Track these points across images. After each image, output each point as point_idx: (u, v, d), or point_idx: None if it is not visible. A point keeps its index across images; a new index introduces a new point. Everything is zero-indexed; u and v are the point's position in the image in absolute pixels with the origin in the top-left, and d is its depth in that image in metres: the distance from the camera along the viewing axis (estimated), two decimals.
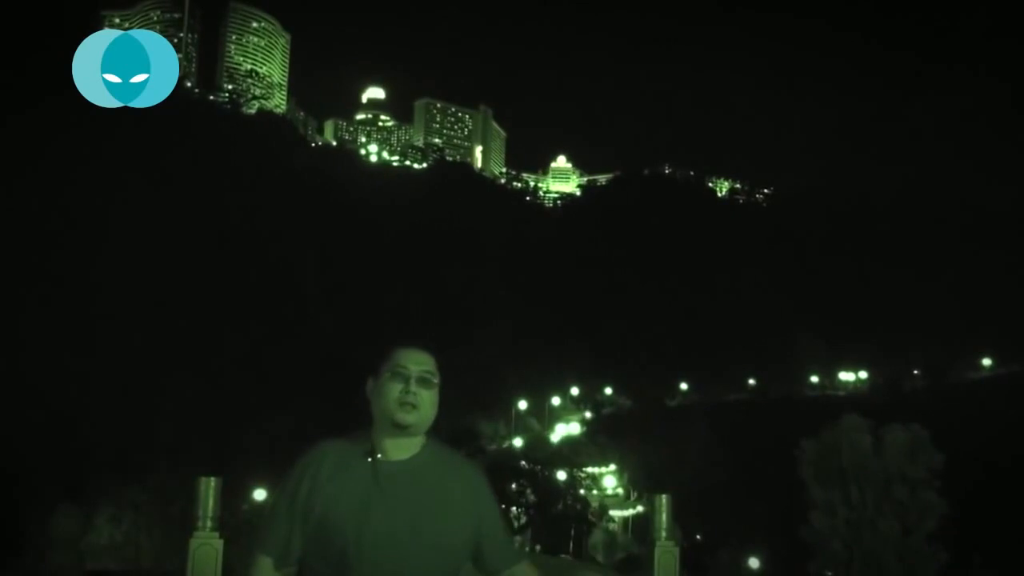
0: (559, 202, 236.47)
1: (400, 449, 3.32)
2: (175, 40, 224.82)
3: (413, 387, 3.27)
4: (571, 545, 55.47)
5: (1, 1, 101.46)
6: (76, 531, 12.62)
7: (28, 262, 77.86)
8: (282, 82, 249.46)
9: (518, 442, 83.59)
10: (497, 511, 3.53)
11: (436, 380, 3.36)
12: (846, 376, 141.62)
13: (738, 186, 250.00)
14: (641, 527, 56.75)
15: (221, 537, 9.97)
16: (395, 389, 3.27)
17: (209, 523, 9.88)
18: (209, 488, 10.01)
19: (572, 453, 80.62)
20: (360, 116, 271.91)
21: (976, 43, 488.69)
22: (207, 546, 9.81)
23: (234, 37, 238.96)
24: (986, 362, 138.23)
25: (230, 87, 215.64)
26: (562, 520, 56.75)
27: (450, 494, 3.31)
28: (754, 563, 44.35)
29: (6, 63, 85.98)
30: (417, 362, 3.32)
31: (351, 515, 3.18)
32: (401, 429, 3.29)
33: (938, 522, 15.56)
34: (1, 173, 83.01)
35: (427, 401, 3.31)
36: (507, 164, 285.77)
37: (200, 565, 9.77)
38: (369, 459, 3.29)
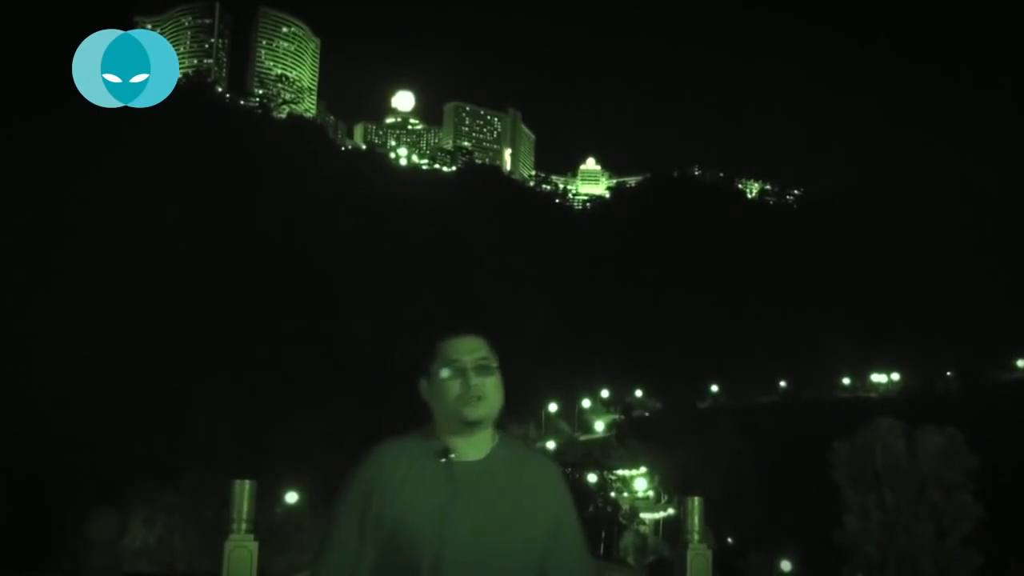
0: (588, 204, 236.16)
1: (473, 447, 3.06)
2: (206, 45, 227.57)
3: (474, 379, 3.01)
4: (602, 548, 55.43)
5: (37, 10, 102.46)
6: (113, 534, 12.72)
7: (59, 266, 78.62)
8: (312, 86, 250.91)
9: (550, 444, 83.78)
10: (574, 514, 3.18)
11: (495, 364, 3.08)
12: (878, 378, 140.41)
13: (768, 188, 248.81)
14: (672, 530, 56.69)
15: (256, 540, 10.01)
16: (455, 385, 3.01)
17: (244, 526, 9.91)
18: (244, 491, 10.04)
19: (602, 455, 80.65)
20: (389, 120, 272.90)
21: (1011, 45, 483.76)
22: (242, 548, 9.85)
23: (264, 42, 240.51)
24: (1020, 363, 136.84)
25: (260, 91, 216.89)
26: (592, 522, 56.64)
27: (530, 494, 3.04)
28: (786, 566, 44.18)
29: (40, 70, 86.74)
30: (470, 349, 3.06)
31: (428, 523, 2.89)
32: (473, 426, 3.03)
33: (973, 525, 15.46)
34: (34, 172, 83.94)
35: (492, 388, 3.05)
36: (536, 167, 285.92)
37: (235, 568, 9.81)
38: (443, 460, 3.01)
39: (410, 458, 3.02)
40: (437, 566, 2.85)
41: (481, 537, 2.89)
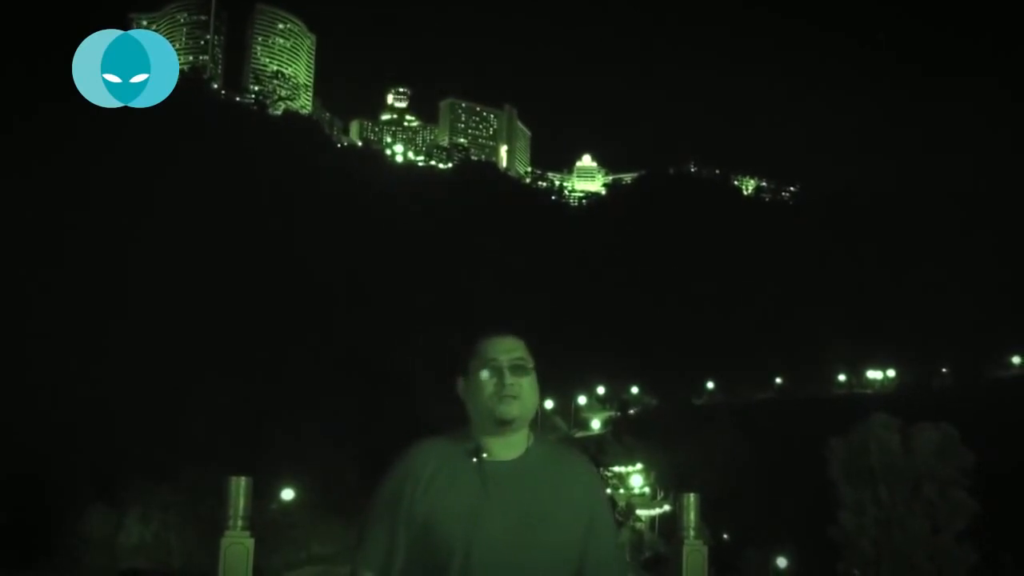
0: (584, 201, 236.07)
1: (507, 448, 3.04)
2: (202, 42, 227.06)
3: (509, 378, 3.00)
4: None
5: (37, 10, 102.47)
6: (109, 531, 12.74)
7: (57, 265, 78.52)
8: (308, 83, 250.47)
9: None
10: (610, 517, 3.19)
11: (531, 365, 3.08)
12: (874, 374, 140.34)
13: (764, 184, 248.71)
14: (668, 526, 56.67)
15: (251, 536, 10.01)
16: (490, 384, 3.01)
17: (240, 522, 9.92)
18: (239, 488, 10.04)
19: (599, 452, 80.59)
20: (385, 116, 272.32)
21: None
22: (238, 545, 9.85)
23: (260, 39, 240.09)
24: (1016, 360, 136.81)
25: (256, 88, 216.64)
26: None
27: (565, 496, 3.02)
28: (782, 562, 44.25)
29: (43, 69, 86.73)
30: (507, 349, 3.06)
31: (458, 522, 2.89)
32: (505, 425, 3.00)
33: (968, 521, 15.48)
34: (34, 171, 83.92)
35: (527, 389, 3.03)
36: (532, 163, 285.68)
37: (231, 563, 9.82)
38: (475, 459, 3.00)
39: (443, 457, 3.03)
40: (466, 565, 2.85)
41: (511, 537, 2.88)
